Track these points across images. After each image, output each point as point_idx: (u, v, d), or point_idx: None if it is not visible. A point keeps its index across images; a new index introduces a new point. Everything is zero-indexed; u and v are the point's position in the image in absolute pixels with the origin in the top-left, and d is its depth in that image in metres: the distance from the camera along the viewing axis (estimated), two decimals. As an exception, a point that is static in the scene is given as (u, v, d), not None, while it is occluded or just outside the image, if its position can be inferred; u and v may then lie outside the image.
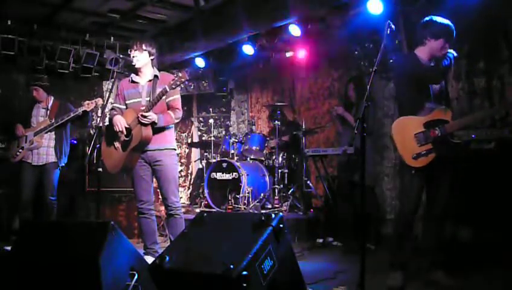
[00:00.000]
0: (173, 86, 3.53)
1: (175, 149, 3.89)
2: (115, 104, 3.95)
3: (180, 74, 3.52)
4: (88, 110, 4.77)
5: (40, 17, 6.12)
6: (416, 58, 3.26)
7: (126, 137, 3.71)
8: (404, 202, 3.27)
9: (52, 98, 5.07)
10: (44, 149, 4.89)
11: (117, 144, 3.77)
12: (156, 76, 3.80)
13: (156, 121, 3.62)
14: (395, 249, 3.26)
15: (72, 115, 4.81)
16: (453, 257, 3.34)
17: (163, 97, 3.66)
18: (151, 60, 3.84)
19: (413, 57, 3.28)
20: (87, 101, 4.75)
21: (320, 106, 7.05)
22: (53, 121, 4.87)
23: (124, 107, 3.87)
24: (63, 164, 5.03)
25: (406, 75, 3.27)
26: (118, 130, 3.71)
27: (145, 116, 3.56)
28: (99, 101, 4.83)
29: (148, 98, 3.73)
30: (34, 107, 5.01)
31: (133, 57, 3.76)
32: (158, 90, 3.67)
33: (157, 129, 3.70)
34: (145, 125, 3.61)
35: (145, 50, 3.76)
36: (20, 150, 4.84)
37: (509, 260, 3.34)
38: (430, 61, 3.30)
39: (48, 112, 4.97)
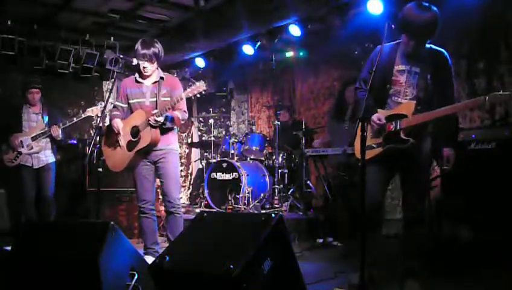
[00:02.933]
0: (189, 94, 3.54)
1: (177, 150, 3.92)
2: (116, 102, 3.95)
3: (197, 84, 3.50)
4: (93, 115, 4.86)
5: (40, 17, 6.12)
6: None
7: (133, 138, 3.72)
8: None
9: (40, 103, 5.11)
10: (43, 152, 4.98)
11: (121, 143, 3.78)
12: (161, 78, 3.80)
13: (164, 122, 3.64)
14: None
15: (75, 120, 4.89)
16: (443, 262, 3.28)
17: (169, 99, 3.68)
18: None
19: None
20: (92, 108, 4.82)
21: (320, 106, 7.05)
22: (47, 124, 4.94)
23: (126, 105, 3.88)
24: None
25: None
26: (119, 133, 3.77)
27: (157, 121, 3.57)
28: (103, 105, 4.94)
29: (153, 99, 3.74)
30: (24, 111, 5.01)
31: (144, 67, 3.70)
32: (163, 91, 3.70)
33: (163, 130, 3.72)
34: (155, 127, 3.63)
35: (156, 60, 3.73)
36: (18, 155, 4.87)
37: (509, 261, 3.33)
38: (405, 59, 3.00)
39: (41, 116, 5.02)
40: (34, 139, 4.88)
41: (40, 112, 5.05)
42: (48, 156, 5.01)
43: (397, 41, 3.04)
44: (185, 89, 3.63)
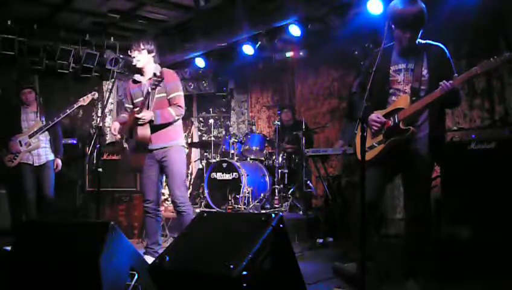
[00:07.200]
0: (152, 87, 3.58)
1: (182, 145, 3.90)
2: (125, 104, 4.05)
3: (157, 74, 3.56)
4: (85, 104, 4.89)
5: (40, 17, 6.12)
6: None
7: (131, 138, 3.79)
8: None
9: (36, 102, 5.12)
10: (43, 149, 4.96)
11: (125, 145, 3.88)
12: (155, 74, 3.81)
13: (153, 119, 3.65)
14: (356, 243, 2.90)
15: (68, 112, 4.88)
16: (443, 262, 3.25)
17: (164, 94, 3.72)
18: (152, 57, 3.86)
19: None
20: (82, 97, 4.85)
21: (320, 106, 7.06)
22: (44, 122, 4.93)
23: (132, 106, 3.95)
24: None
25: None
26: (112, 134, 3.88)
27: (137, 118, 3.60)
28: (95, 94, 4.95)
29: None
30: (22, 112, 5.02)
31: (133, 58, 3.80)
32: (158, 87, 3.70)
33: (160, 127, 3.73)
34: (142, 124, 3.64)
35: (144, 49, 3.77)
36: (17, 154, 4.87)
37: (509, 261, 3.33)
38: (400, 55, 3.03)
39: (38, 115, 5.02)
40: (31, 136, 4.89)
41: (37, 111, 5.04)
42: (47, 154, 5.00)
43: (389, 44, 3.05)
44: (182, 84, 3.76)
